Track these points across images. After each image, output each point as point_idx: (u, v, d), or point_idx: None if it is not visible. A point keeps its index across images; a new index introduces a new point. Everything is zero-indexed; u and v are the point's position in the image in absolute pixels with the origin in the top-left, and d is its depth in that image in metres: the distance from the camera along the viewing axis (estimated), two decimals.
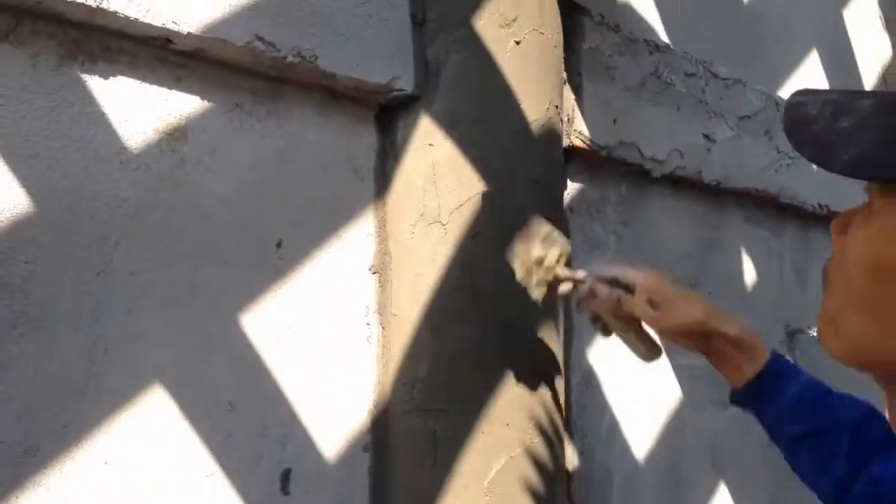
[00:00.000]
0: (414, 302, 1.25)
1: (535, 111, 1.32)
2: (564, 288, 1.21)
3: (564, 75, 1.50)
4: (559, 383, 1.33)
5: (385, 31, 1.27)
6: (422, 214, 1.26)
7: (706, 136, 1.81)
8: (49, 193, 0.99)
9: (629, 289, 1.13)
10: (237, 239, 1.15)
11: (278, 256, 1.19)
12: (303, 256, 1.22)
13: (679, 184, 1.81)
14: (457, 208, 1.24)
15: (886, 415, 0.66)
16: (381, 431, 1.27)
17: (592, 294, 1.16)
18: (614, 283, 1.14)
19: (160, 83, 1.10)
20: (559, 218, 1.38)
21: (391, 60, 1.27)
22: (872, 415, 0.94)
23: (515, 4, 1.31)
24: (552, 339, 1.31)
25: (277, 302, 1.18)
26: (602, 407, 1.61)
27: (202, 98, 1.13)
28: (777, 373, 1.05)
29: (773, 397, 1.06)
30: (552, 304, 1.32)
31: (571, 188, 1.59)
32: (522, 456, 1.23)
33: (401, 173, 1.30)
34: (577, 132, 1.54)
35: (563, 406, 1.34)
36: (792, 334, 2.11)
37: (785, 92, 2.14)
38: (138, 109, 1.07)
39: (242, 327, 1.15)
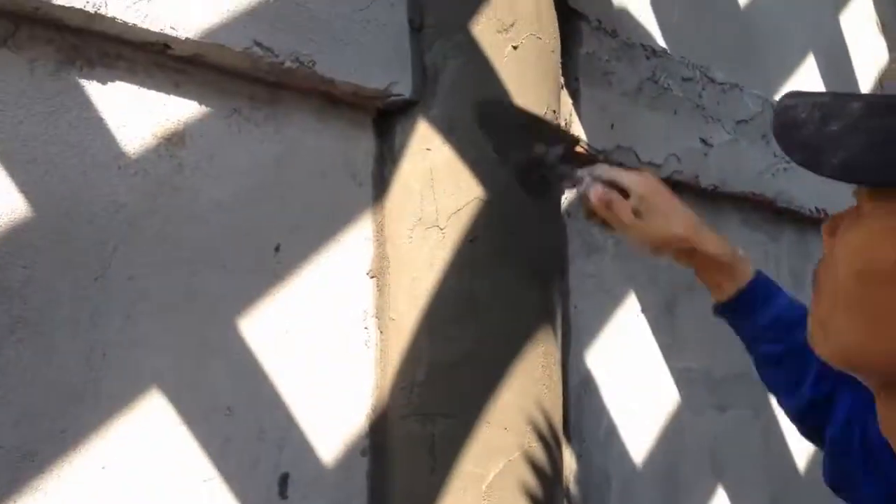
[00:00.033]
0: (412, 306, 1.25)
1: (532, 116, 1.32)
2: (565, 186, 1.22)
3: (562, 80, 1.50)
4: (557, 387, 1.33)
5: (383, 36, 1.27)
6: (420, 219, 1.26)
7: (703, 141, 1.82)
8: (47, 198, 1.00)
9: (625, 192, 1.13)
10: (235, 244, 1.16)
11: (276, 261, 1.20)
12: (301, 261, 1.22)
13: (676, 188, 1.81)
14: (454, 213, 1.25)
15: (878, 416, 0.66)
16: (379, 435, 1.27)
17: (587, 193, 1.16)
18: (612, 185, 1.14)
19: (158, 88, 1.10)
20: (557, 223, 1.39)
21: (389, 66, 1.27)
22: None
23: (513, 10, 1.32)
24: (550, 342, 1.31)
25: (276, 306, 1.19)
26: (600, 410, 1.61)
27: (200, 103, 1.14)
28: (755, 294, 1.09)
29: (749, 317, 1.10)
30: (550, 307, 1.32)
31: (569, 193, 1.59)
32: (520, 460, 1.23)
33: (399, 178, 1.30)
34: (575, 136, 1.54)
35: (561, 410, 1.35)
36: None
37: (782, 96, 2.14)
38: (136, 115, 1.08)
39: (241, 332, 1.15)
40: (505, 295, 1.26)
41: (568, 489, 1.49)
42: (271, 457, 1.16)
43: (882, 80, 2.62)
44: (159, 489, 1.05)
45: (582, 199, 1.19)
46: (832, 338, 0.63)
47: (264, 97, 1.20)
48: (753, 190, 1.95)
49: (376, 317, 1.30)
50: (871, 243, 0.59)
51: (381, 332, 1.29)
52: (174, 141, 1.11)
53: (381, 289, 1.30)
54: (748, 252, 1.93)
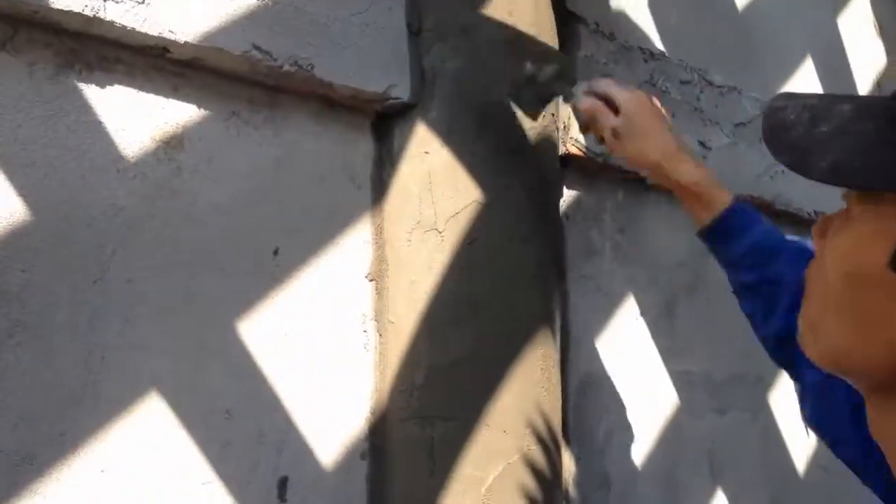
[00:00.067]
0: (410, 309, 1.25)
1: (531, 119, 1.32)
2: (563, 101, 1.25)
3: None
4: (556, 389, 1.33)
5: (381, 39, 1.27)
6: (418, 222, 1.26)
7: (701, 144, 1.82)
8: (46, 202, 1.00)
9: (617, 108, 1.15)
10: (234, 247, 1.16)
11: (275, 264, 1.20)
12: (300, 264, 1.22)
13: None
14: (453, 216, 1.25)
15: (868, 419, 0.66)
16: (378, 439, 1.27)
17: (578, 104, 1.19)
18: (606, 99, 1.16)
19: (157, 92, 1.10)
20: (556, 225, 1.39)
21: (387, 69, 1.27)
22: None
23: (511, 13, 1.32)
24: (549, 345, 1.31)
25: (274, 309, 1.19)
26: (599, 413, 1.61)
27: (199, 107, 1.14)
28: (731, 223, 1.11)
29: (725, 245, 1.12)
30: (549, 310, 1.33)
31: (568, 196, 1.60)
32: (520, 463, 1.23)
33: (397, 181, 1.30)
34: (573, 140, 1.54)
35: (560, 412, 1.35)
36: None
37: None
38: (135, 118, 1.08)
39: (239, 335, 1.15)
40: (504, 297, 1.26)
41: (567, 492, 1.49)
42: (270, 460, 1.16)
43: (881, 81, 2.62)
44: (158, 492, 1.05)
45: (574, 110, 1.23)
46: (822, 340, 0.63)
47: (263, 100, 1.21)
48: (752, 193, 1.95)
49: (375, 320, 1.30)
50: (859, 246, 0.59)
51: (380, 334, 1.29)
52: (173, 144, 1.11)
53: (379, 292, 1.30)
54: None
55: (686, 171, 1.12)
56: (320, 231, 1.25)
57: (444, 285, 1.24)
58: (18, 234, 0.97)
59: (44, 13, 0.97)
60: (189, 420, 1.09)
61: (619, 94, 1.15)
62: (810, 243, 1.01)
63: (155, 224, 1.08)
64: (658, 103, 1.18)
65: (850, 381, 0.66)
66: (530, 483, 1.24)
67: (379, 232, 1.31)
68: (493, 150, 1.29)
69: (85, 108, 1.04)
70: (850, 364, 0.62)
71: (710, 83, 1.87)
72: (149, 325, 1.07)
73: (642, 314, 1.73)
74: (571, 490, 1.51)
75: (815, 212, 2.12)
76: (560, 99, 1.24)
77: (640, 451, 1.69)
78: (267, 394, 1.17)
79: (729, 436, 1.89)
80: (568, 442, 1.51)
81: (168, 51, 1.08)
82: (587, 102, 1.17)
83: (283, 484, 1.17)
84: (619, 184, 1.71)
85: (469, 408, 1.22)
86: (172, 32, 1.06)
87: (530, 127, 1.32)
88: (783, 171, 2.01)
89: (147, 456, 1.05)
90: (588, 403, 1.59)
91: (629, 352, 1.69)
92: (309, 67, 1.18)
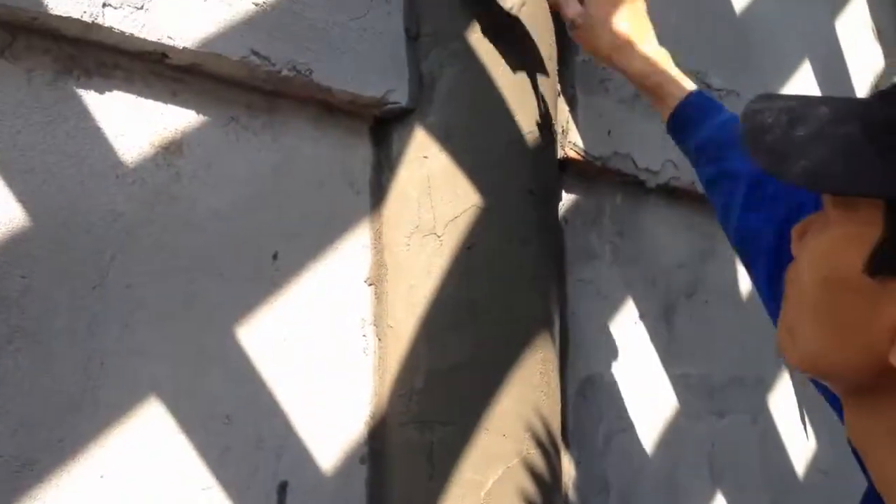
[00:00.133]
0: (409, 314, 1.25)
1: (529, 123, 1.32)
2: None
3: (559, 88, 1.51)
4: (556, 393, 1.33)
5: (380, 44, 1.27)
6: (417, 226, 1.26)
7: None
8: (45, 208, 1.00)
9: None
10: (233, 252, 1.16)
11: (274, 269, 1.20)
12: (299, 269, 1.22)
13: (674, 194, 1.81)
14: (452, 220, 1.25)
15: (845, 421, 0.65)
16: (377, 443, 1.27)
17: None
18: None
19: (156, 98, 1.10)
20: (555, 229, 1.39)
21: (386, 74, 1.27)
22: None
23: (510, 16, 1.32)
24: (548, 349, 1.31)
25: (273, 314, 1.19)
26: (599, 417, 1.61)
27: (198, 112, 1.14)
28: (687, 115, 1.11)
29: (683, 140, 1.13)
30: (548, 314, 1.33)
31: (566, 199, 1.60)
32: (519, 467, 1.23)
33: (396, 186, 1.30)
34: (572, 144, 1.55)
35: (559, 416, 1.35)
36: None
37: None
38: (134, 124, 1.08)
39: (238, 340, 1.15)
40: (502, 302, 1.26)
41: (567, 495, 1.49)
42: (270, 465, 1.16)
43: (878, 84, 2.62)
44: (158, 498, 1.05)
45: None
46: (799, 344, 0.63)
47: (262, 106, 1.21)
48: None
49: (374, 324, 1.30)
50: (836, 250, 0.59)
51: (380, 339, 1.29)
52: (172, 150, 1.11)
53: (378, 296, 1.30)
54: None
55: (636, 64, 1.12)
56: (319, 236, 1.25)
57: (443, 290, 1.24)
58: (17, 240, 0.97)
59: (42, 19, 0.98)
60: (188, 425, 1.09)
61: None
62: None
63: (154, 229, 1.09)
64: None
65: (828, 385, 0.66)
66: (530, 487, 1.24)
67: (378, 237, 1.32)
68: (492, 154, 1.29)
69: (84, 113, 1.04)
70: (828, 368, 0.62)
71: (709, 86, 1.87)
72: (148, 331, 1.07)
73: (641, 317, 1.73)
74: (571, 494, 1.51)
75: None
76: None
77: (639, 455, 1.69)
78: (266, 399, 1.17)
79: (728, 439, 1.89)
80: (567, 445, 1.51)
81: (167, 56, 1.08)
82: None
83: (282, 489, 1.17)
84: (618, 187, 1.71)
85: (468, 412, 1.22)
86: (171, 38, 1.06)
87: (529, 131, 1.32)
88: None
89: (146, 461, 1.05)
90: (587, 407, 1.59)
91: (628, 355, 1.69)
92: (307, 72, 1.18)
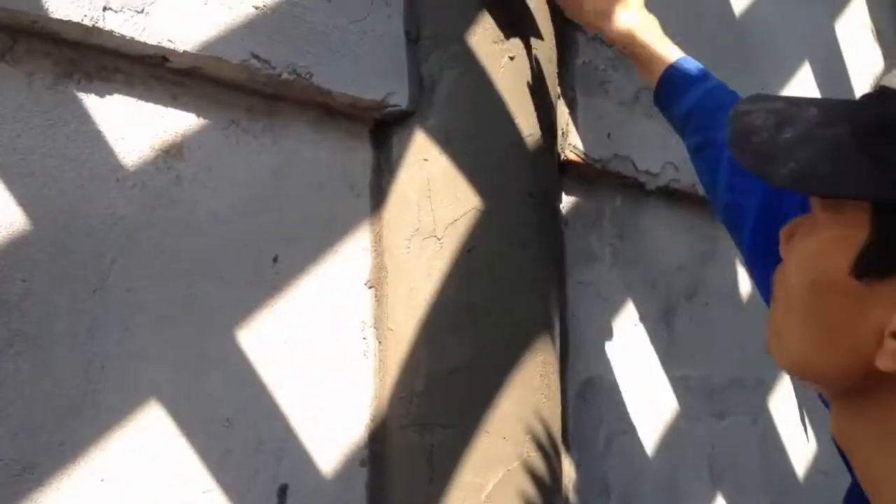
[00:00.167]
0: (410, 316, 1.25)
1: (529, 126, 1.32)
2: None
3: (558, 90, 1.51)
4: (556, 396, 1.33)
5: (380, 47, 1.27)
6: (417, 229, 1.26)
7: None
8: (45, 212, 1.00)
9: None
10: (233, 255, 1.16)
11: (275, 272, 1.20)
12: (299, 272, 1.22)
13: (673, 196, 1.82)
14: (452, 223, 1.25)
15: (832, 422, 0.66)
16: (378, 446, 1.27)
17: None
18: None
19: (156, 101, 1.10)
20: (555, 232, 1.39)
21: (386, 77, 1.27)
22: None
23: (509, 20, 1.32)
24: (548, 351, 1.31)
25: (274, 317, 1.19)
26: (599, 419, 1.61)
27: (198, 115, 1.14)
28: (669, 85, 1.10)
29: (668, 107, 1.11)
30: (549, 316, 1.33)
31: (566, 202, 1.60)
32: (520, 469, 1.23)
33: (396, 188, 1.30)
34: (572, 146, 1.55)
35: (559, 419, 1.35)
36: None
37: None
38: (134, 127, 1.08)
39: (239, 343, 1.15)
40: (502, 304, 1.26)
41: (567, 498, 1.49)
42: (270, 468, 1.16)
43: (878, 86, 2.62)
44: (158, 501, 1.05)
45: None
46: (787, 346, 0.63)
47: (262, 109, 1.21)
48: None
49: (374, 327, 1.30)
50: (823, 253, 0.58)
51: (380, 342, 1.29)
52: (172, 153, 1.11)
53: (379, 299, 1.30)
54: None
55: (617, 30, 1.11)
56: (319, 239, 1.25)
57: (443, 292, 1.24)
58: (18, 244, 0.97)
59: (43, 23, 0.98)
60: (189, 428, 1.09)
61: None
62: None
63: (154, 233, 1.09)
64: None
65: (816, 387, 0.66)
66: (530, 490, 1.24)
67: (378, 239, 1.32)
68: (492, 157, 1.29)
69: (84, 117, 1.04)
70: (815, 370, 0.62)
71: None
72: (148, 334, 1.07)
73: (641, 319, 1.73)
74: (572, 496, 1.51)
75: None
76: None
77: (640, 457, 1.69)
78: (266, 402, 1.17)
79: (729, 440, 1.89)
80: (568, 448, 1.51)
81: (167, 60, 1.09)
82: None
83: (282, 492, 1.17)
84: (618, 189, 1.71)
85: (468, 415, 1.22)
86: (171, 42, 1.06)
87: (529, 134, 1.32)
88: None
89: (147, 465, 1.05)
90: (588, 409, 1.59)
91: (628, 357, 1.69)
92: (307, 75, 1.18)
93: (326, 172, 1.27)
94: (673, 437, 1.76)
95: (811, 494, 2.04)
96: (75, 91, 1.04)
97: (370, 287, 1.30)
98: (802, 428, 2.09)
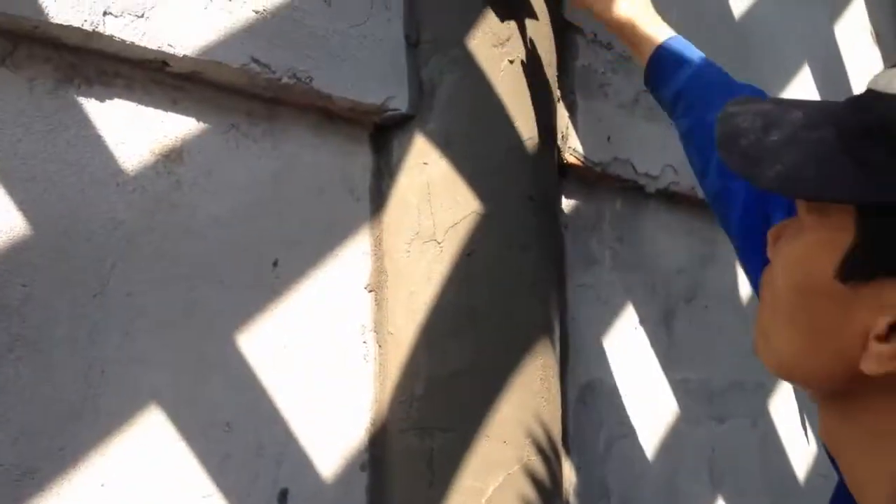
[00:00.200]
0: (410, 320, 1.25)
1: (528, 129, 1.33)
2: None
3: (558, 93, 1.51)
4: (556, 399, 1.33)
5: (380, 51, 1.28)
6: (417, 233, 1.26)
7: None
8: (45, 216, 1.00)
9: None
10: (233, 259, 1.16)
11: (275, 276, 1.20)
12: (299, 276, 1.22)
13: (673, 199, 1.82)
14: (452, 227, 1.25)
15: (819, 424, 0.66)
16: (378, 450, 1.27)
17: None
18: None
19: (156, 106, 1.11)
20: (555, 235, 1.39)
21: (386, 81, 1.28)
22: None
23: (508, 24, 1.32)
24: (548, 354, 1.31)
25: (274, 321, 1.19)
26: (599, 422, 1.61)
27: (198, 120, 1.14)
28: (657, 68, 1.09)
29: (658, 89, 1.11)
30: (549, 319, 1.33)
31: (566, 205, 1.60)
32: (520, 473, 1.23)
33: (396, 192, 1.31)
34: (572, 149, 1.55)
35: (560, 422, 1.35)
36: None
37: None
38: (134, 132, 1.08)
39: (239, 347, 1.15)
40: (503, 308, 1.26)
41: (568, 501, 1.49)
42: (270, 472, 1.16)
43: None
44: None
45: None
46: (773, 348, 0.63)
47: (262, 113, 1.21)
48: None
49: (374, 331, 1.30)
50: (808, 256, 0.58)
51: (380, 346, 1.29)
52: (172, 157, 1.11)
53: (379, 303, 1.30)
54: None
55: (612, 12, 1.11)
56: (319, 243, 1.25)
57: (443, 296, 1.24)
58: (18, 249, 0.97)
59: (43, 28, 0.98)
60: (189, 433, 1.09)
61: None
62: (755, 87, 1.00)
63: (154, 237, 1.09)
64: None
65: (804, 389, 0.66)
66: (531, 493, 1.24)
67: (378, 243, 1.32)
68: (492, 160, 1.29)
69: (84, 122, 1.04)
70: (801, 373, 0.62)
71: None
72: (148, 339, 1.07)
73: (641, 323, 1.73)
74: (572, 500, 1.51)
75: None
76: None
77: (640, 460, 1.69)
78: (266, 406, 1.17)
79: (729, 443, 1.89)
80: (568, 451, 1.51)
81: (167, 64, 1.09)
82: None
83: (283, 496, 1.17)
84: (618, 192, 1.71)
85: (468, 419, 1.22)
86: (171, 46, 1.06)
87: (528, 137, 1.32)
88: None
89: (147, 469, 1.05)
90: (588, 412, 1.59)
91: (629, 360, 1.69)
92: (307, 80, 1.18)
93: (326, 176, 1.27)
94: (673, 440, 1.76)
95: (811, 497, 2.04)
96: (76, 96, 1.04)
97: (370, 291, 1.30)
98: (802, 431, 2.09)
